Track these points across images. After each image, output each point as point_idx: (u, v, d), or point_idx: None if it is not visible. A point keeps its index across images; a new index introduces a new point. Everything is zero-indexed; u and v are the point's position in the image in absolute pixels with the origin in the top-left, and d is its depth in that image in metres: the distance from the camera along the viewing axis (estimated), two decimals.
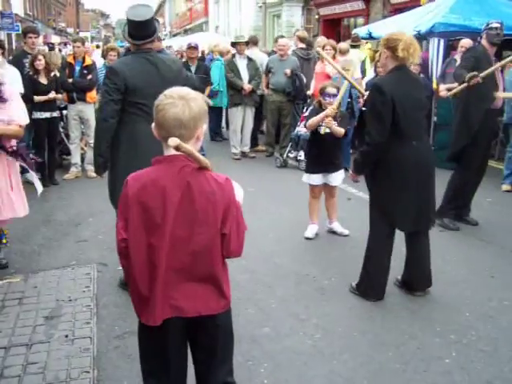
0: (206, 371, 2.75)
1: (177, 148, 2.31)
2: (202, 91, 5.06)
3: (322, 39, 11.72)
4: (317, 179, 6.13)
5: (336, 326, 4.26)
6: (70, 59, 9.17)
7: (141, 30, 4.47)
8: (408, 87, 4.45)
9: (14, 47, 24.43)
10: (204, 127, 2.51)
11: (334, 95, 5.96)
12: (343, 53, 10.20)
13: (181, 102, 2.38)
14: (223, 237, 2.50)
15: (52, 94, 8.15)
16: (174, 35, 50.89)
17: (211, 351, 2.71)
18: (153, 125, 2.51)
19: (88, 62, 9.03)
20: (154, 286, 2.46)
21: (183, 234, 2.44)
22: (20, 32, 23.00)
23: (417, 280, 4.81)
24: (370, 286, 4.70)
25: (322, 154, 6.03)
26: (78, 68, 8.93)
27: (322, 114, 5.84)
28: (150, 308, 2.50)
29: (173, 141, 2.30)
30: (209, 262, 2.52)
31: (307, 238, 6.10)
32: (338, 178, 6.18)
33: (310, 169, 6.20)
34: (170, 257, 2.44)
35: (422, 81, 4.67)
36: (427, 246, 4.79)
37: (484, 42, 6.38)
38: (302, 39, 11.08)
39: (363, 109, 4.46)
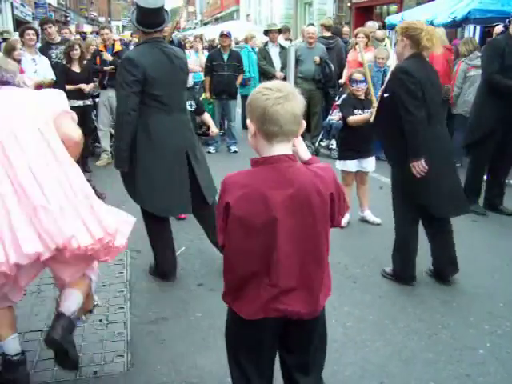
0: (303, 373, 2.63)
1: None
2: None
3: (362, 29, 11.52)
4: (352, 165, 6.13)
5: (368, 314, 4.25)
6: (101, 47, 9.27)
7: (152, 18, 4.39)
8: (428, 73, 4.45)
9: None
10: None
11: (361, 81, 6.01)
12: (379, 41, 10.11)
13: (291, 95, 2.23)
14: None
15: (83, 85, 8.22)
16: (205, 24, 50.93)
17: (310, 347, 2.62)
18: (248, 121, 2.32)
19: (118, 47, 9.17)
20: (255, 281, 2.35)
21: (299, 233, 2.31)
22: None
23: (446, 267, 4.77)
24: (402, 271, 4.74)
25: (357, 140, 5.99)
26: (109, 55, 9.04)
27: (366, 116, 5.73)
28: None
29: None
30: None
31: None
32: (372, 163, 6.23)
33: (345, 155, 6.17)
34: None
35: (433, 68, 4.74)
36: (451, 232, 4.73)
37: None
38: (327, 27, 10.95)
39: (385, 95, 4.45)
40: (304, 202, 2.27)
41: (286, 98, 2.20)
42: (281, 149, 2.27)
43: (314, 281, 2.41)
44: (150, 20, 4.39)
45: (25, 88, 3.56)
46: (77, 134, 3.36)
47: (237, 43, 15.43)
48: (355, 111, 6.01)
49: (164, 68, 4.40)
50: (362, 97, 6.10)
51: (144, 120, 4.39)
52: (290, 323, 2.44)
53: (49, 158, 3.01)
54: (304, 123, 2.33)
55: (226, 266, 2.43)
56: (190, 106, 6.28)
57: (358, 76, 6.06)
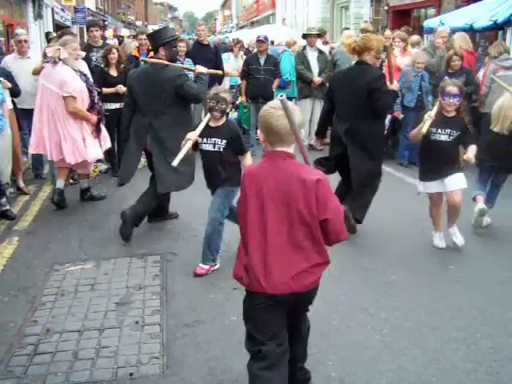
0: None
1: None
2: (199, 98, 5.90)
3: (399, 33, 11.39)
4: (432, 187, 5.57)
5: (405, 322, 4.20)
6: (134, 52, 9.36)
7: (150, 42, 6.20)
8: (349, 79, 5.73)
9: (86, 40, 25.02)
10: (302, 132, 2.88)
11: (455, 95, 5.32)
12: (413, 45, 10.01)
13: (290, 111, 2.76)
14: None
15: (120, 87, 8.30)
16: (241, 27, 51.09)
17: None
18: (259, 132, 2.93)
19: (152, 53, 9.21)
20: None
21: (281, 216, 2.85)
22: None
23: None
24: None
25: (435, 160, 5.41)
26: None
27: (421, 125, 5.40)
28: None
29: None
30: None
31: (438, 248, 5.66)
32: (452, 180, 5.42)
33: (423, 176, 5.64)
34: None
35: (368, 73, 5.59)
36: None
37: None
38: (363, 32, 10.81)
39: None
40: (287, 186, 2.81)
41: (283, 115, 2.76)
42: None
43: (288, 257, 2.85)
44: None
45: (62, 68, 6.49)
46: (72, 108, 6.51)
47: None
48: (433, 129, 5.37)
49: (143, 83, 5.83)
50: (452, 114, 5.41)
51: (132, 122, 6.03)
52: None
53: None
54: (303, 131, 3.03)
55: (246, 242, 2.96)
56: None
57: (452, 89, 5.33)
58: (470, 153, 5.27)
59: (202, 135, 4.91)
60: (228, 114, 5.06)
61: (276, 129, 2.78)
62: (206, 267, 5.00)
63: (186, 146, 4.85)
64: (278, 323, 2.95)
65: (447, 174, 5.40)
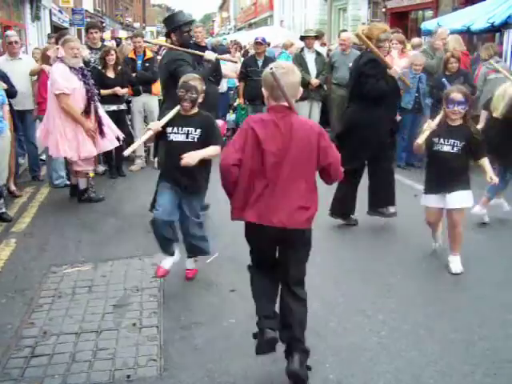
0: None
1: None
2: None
3: (397, 35, 11.34)
4: (431, 200, 5.21)
5: (402, 324, 4.19)
6: (131, 55, 9.38)
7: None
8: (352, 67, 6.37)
9: (83, 42, 24.91)
10: (301, 90, 3.40)
11: (460, 102, 4.91)
12: (415, 47, 10.05)
13: (291, 70, 3.29)
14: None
15: (117, 89, 8.32)
16: (239, 29, 51.11)
17: None
18: (263, 89, 3.32)
19: (149, 55, 9.27)
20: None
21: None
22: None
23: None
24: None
25: (438, 172, 5.09)
26: (139, 62, 9.14)
27: (420, 136, 5.15)
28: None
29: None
30: None
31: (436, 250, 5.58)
32: (454, 197, 5.01)
33: (425, 188, 5.30)
34: None
35: (361, 59, 6.08)
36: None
37: None
38: None
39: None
40: (291, 135, 3.23)
41: (286, 73, 3.24)
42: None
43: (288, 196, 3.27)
44: None
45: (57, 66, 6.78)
46: (65, 104, 6.69)
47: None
48: (435, 139, 5.03)
49: (158, 69, 6.59)
50: (457, 122, 5.02)
51: None
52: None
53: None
54: (301, 90, 3.41)
55: (241, 180, 3.30)
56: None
57: (457, 96, 4.93)
58: (491, 173, 5.05)
59: (171, 124, 4.54)
60: (201, 103, 4.62)
61: (292, 84, 3.22)
62: (194, 267, 5.02)
63: (145, 136, 4.63)
64: (270, 250, 3.50)
65: (452, 189, 5.00)
